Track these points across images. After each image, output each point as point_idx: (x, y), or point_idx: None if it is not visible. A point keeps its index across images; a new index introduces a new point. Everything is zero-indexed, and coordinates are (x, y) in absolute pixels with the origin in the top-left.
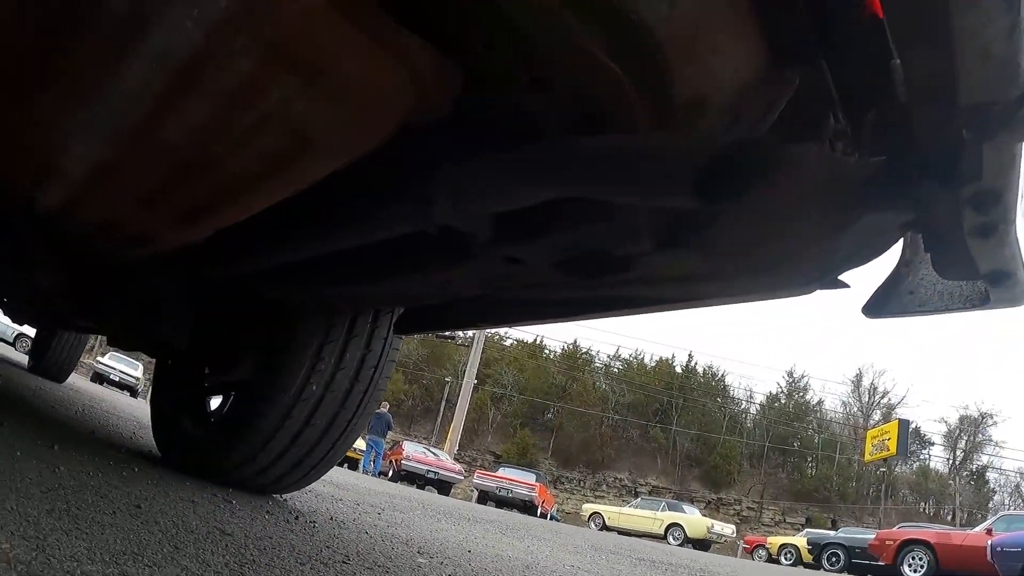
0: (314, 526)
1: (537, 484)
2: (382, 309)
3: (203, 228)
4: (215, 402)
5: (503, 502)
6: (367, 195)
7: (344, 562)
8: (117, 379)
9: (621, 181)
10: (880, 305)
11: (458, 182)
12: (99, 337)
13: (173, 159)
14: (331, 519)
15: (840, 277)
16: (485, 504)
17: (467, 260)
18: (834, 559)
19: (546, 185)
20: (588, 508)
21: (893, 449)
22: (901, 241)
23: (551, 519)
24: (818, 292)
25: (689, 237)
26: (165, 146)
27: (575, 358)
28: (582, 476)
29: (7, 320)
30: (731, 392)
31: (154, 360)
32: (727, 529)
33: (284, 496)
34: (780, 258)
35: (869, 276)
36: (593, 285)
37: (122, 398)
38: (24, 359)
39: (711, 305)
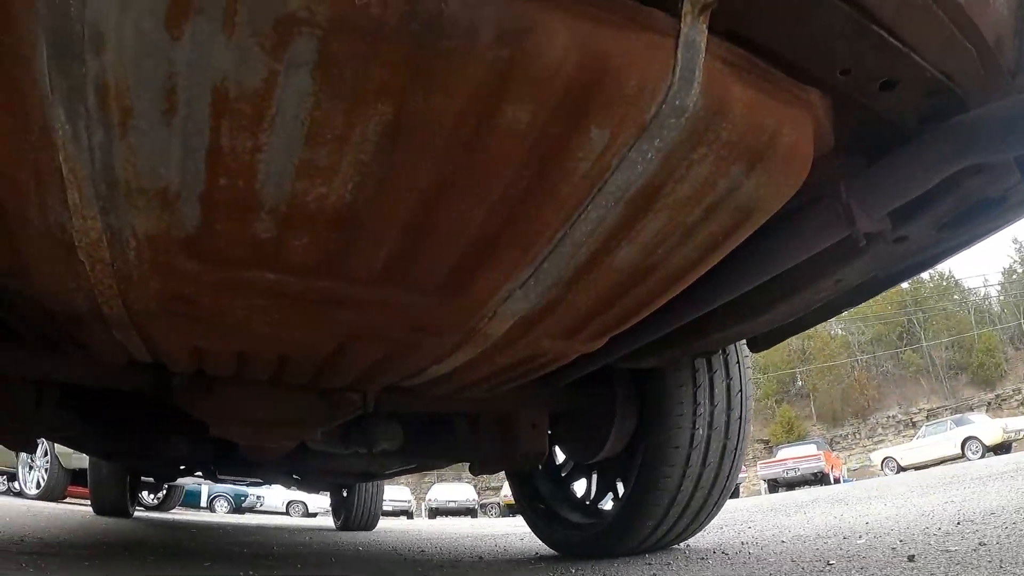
0: (729, 556)
1: (820, 452)
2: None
3: (612, 333)
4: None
5: (794, 483)
6: (779, 229)
7: (828, 564)
8: (391, 508)
9: None
10: None
11: (866, 188)
12: None
13: (608, 284)
14: (727, 551)
15: None
16: (777, 491)
17: (859, 254)
18: None
19: (956, 162)
20: (878, 456)
21: None
22: None
23: (845, 481)
24: None
25: None
26: (604, 276)
27: None
28: (855, 428)
29: (275, 491)
30: (965, 285)
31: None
32: (1022, 422)
33: (680, 545)
34: None
35: None
36: (966, 230)
37: (412, 523)
38: (301, 523)
39: None
